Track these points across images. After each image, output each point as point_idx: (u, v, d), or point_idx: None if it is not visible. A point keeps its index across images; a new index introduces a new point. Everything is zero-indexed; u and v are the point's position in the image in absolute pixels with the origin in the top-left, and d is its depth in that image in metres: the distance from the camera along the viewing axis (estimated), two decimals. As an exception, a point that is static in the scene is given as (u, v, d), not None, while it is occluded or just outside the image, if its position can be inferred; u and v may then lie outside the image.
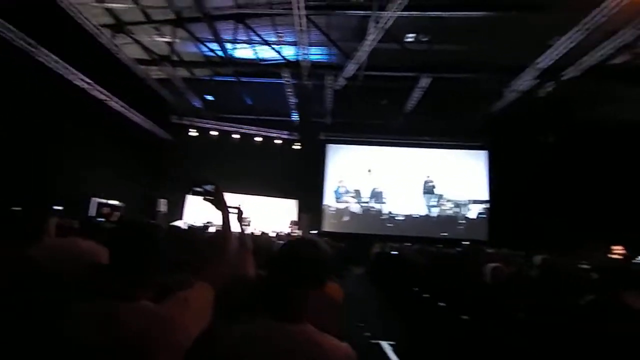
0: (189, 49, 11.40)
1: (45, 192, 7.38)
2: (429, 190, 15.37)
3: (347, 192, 15.62)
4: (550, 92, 9.56)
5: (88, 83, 9.48)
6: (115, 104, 10.59)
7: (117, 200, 10.59)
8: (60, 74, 8.68)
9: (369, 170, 15.47)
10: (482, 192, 15.20)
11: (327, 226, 14.92)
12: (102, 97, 10.08)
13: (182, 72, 12.14)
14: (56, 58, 8.37)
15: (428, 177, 15.36)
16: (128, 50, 10.47)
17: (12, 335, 0.97)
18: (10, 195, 6.07)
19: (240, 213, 2.13)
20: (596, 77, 9.31)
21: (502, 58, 9.73)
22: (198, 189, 1.55)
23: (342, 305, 2.18)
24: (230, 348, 1.06)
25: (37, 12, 7.73)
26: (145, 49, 11.00)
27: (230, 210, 1.57)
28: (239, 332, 1.09)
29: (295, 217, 14.27)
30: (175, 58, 11.10)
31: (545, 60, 8.71)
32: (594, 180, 12.27)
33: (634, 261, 6.20)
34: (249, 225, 2.22)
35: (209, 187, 1.57)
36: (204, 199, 1.54)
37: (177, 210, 12.88)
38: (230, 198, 2.25)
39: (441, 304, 5.48)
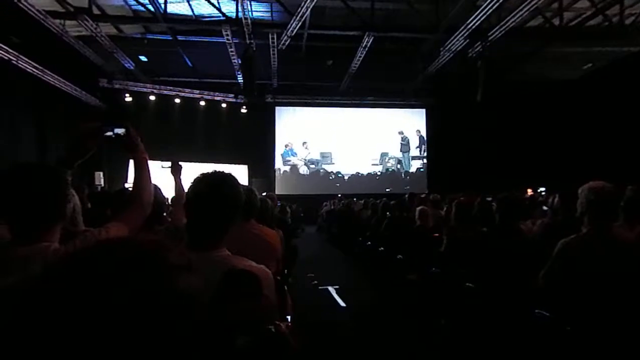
0: (112, 2, 10.00)
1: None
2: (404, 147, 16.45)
3: (295, 154, 15.92)
4: (479, 52, 10.22)
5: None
6: (26, 64, 8.97)
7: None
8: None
9: (304, 143, 15.95)
10: (421, 148, 16.42)
11: (279, 189, 15.20)
12: (8, 56, 8.41)
13: (108, 29, 10.63)
14: None
15: (402, 132, 16.35)
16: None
17: None
18: None
19: (174, 166, 2.22)
20: (518, 38, 10.11)
21: (440, 18, 10.14)
22: (108, 132, 1.30)
23: (279, 250, 2.41)
24: None
25: None
26: (56, -2, 9.11)
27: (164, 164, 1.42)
28: None
29: (246, 183, 14.32)
30: (96, 11, 9.60)
31: (474, 21, 9.24)
32: (517, 135, 13.73)
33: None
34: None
35: (120, 131, 1.31)
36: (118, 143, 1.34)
37: (121, 177, 11.93)
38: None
39: (381, 248, 6.11)
